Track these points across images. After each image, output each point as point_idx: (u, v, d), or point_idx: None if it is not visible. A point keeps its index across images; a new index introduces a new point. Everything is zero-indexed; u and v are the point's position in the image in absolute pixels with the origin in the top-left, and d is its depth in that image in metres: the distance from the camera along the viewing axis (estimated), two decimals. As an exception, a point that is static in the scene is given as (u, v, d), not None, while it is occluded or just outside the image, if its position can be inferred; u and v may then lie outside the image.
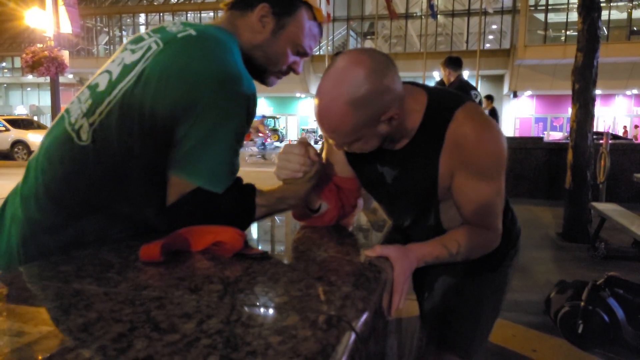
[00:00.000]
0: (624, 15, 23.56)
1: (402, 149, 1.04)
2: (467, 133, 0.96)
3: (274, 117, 28.38)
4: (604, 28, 21.57)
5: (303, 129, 29.72)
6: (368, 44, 29.42)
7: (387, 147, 1.04)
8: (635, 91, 23.98)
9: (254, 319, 0.59)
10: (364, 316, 0.64)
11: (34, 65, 9.33)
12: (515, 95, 25.49)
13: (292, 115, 31.78)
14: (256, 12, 1.02)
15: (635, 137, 19.19)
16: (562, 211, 4.82)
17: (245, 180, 1.00)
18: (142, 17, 31.83)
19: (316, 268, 0.81)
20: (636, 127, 22.16)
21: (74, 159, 0.92)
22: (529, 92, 25.47)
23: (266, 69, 1.09)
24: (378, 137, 0.96)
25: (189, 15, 30.23)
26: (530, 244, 4.36)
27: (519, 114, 26.30)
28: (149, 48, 0.93)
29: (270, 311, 0.63)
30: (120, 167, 0.91)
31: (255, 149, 14.54)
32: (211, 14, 29.22)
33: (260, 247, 0.95)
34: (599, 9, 4.55)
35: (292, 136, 30.51)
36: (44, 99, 32.43)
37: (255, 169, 10.50)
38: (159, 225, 0.94)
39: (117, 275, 0.73)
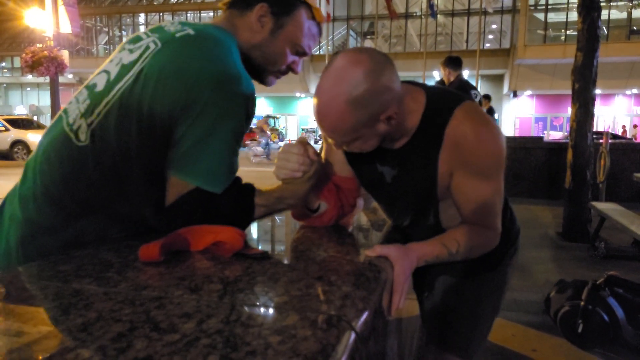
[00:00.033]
0: (624, 15, 23.57)
1: (402, 148, 1.04)
2: (466, 132, 0.96)
3: (274, 117, 28.37)
4: (604, 28, 21.57)
5: (303, 129, 29.73)
6: (368, 43, 29.40)
7: (386, 147, 1.04)
8: (635, 91, 23.98)
9: (254, 319, 0.59)
10: (364, 316, 0.64)
11: (34, 65, 9.34)
12: (515, 95, 25.50)
13: (291, 115, 31.79)
14: (255, 12, 1.02)
15: (634, 137, 19.18)
16: (561, 211, 4.82)
17: (247, 180, 1.00)
18: (141, 17, 31.84)
19: (316, 268, 0.81)
20: (635, 126, 22.15)
21: (72, 159, 0.92)
22: (528, 92, 25.47)
23: (265, 69, 1.09)
24: (377, 137, 0.96)
25: (188, 15, 30.23)
26: (530, 244, 4.36)
27: (519, 114, 26.30)
28: (147, 48, 0.93)
29: (270, 311, 0.63)
30: (119, 168, 0.91)
31: (260, 148, 14.45)
32: (211, 13, 29.20)
33: (260, 247, 0.95)
34: (599, 9, 4.55)
35: (292, 136, 30.51)
36: (44, 99, 32.42)
37: (257, 169, 10.49)
38: (158, 226, 0.94)
39: (117, 275, 0.73)
